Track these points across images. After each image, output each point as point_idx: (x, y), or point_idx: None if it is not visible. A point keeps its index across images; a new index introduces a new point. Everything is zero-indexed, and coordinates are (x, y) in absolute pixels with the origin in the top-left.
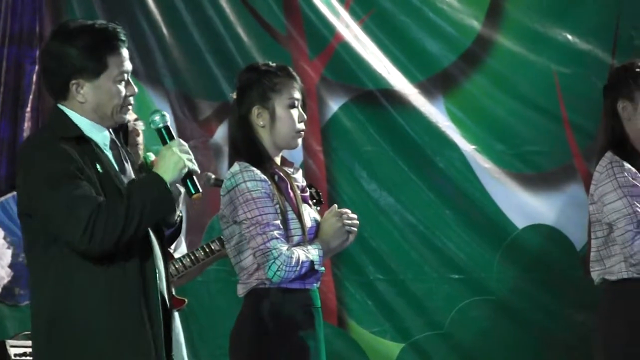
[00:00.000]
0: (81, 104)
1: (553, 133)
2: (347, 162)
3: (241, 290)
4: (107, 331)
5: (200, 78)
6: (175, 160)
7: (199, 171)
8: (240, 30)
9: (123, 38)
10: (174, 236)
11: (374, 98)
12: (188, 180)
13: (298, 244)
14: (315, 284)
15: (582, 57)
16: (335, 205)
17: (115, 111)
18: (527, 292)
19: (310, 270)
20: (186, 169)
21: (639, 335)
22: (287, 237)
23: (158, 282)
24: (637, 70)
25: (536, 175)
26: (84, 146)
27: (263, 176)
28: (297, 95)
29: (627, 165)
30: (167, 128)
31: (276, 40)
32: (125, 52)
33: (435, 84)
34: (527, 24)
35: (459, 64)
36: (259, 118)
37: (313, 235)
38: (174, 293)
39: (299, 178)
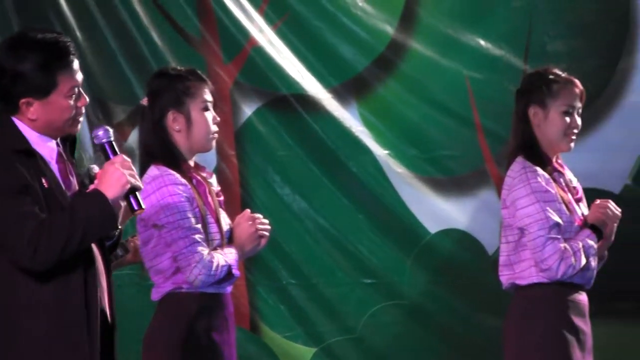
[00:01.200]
0: (31, 120)
1: (465, 138)
2: (261, 166)
3: (156, 295)
4: (46, 342)
5: (114, 82)
6: (118, 177)
7: (142, 187)
8: (154, 34)
9: (73, 51)
10: (114, 247)
11: (288, 103)
12: (130, 197)
13: (216, 248)
14: (228, 289)
15: (494, 62)
16: (248, 210)
17: (67, 124)
18: (439, 297)
19: (227, 275)
20: (129, 186)
21: (550, 340)
22: (207, 241)
23: (99, 295)
24: (550, 77)
25: (449, 180)
26: (31, 160)
27: (183, 180)
28: (209, 97)
29: (540, 171)
30: (110, 143)
31: (190, 45)
32: (76, 65)
33: (349, 89)
34: (440, 29)
35: (372, 69)
36: (174, 122)
37: (228, 240)
38: None
39: (214, 182)
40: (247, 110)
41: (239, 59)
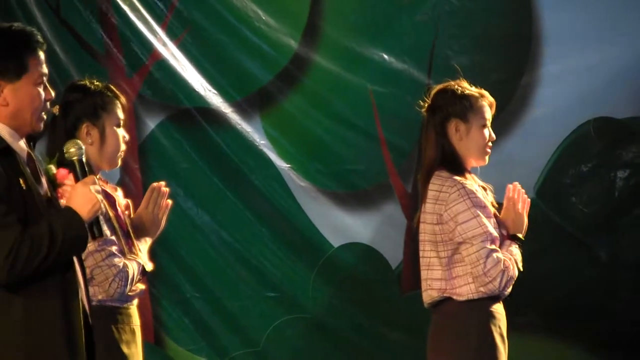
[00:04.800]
0: (2, 108)
1: (369, 152)
2: (164, 180)
3: None
4: (24, 345)
5: None
6: (92, 200)
7: (104, 212)
8: (57, 48)
9: (41, 40)
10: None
11: (191, 116)
12: (94, 222)
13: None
14: (135, 302)
15: (397, 76)
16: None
17: (35, 117)
18: (342, 311)
19: (142, 275)
20: (99, 212)
21: (485, 354)
22: (122, 252)
23: (80, 294)
24: (467, 92)
25: (352, 194)
26: (9, 158)
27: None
28: (122, 115)
29: (476, 185)
30: (81, 161)
31: (94, 58)
32: (42, 55)
33: (252, 102)
34: (344, 43)
35: (276, 82)
36: (87, 135)
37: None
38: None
39: (120, 196)
40: (151, 123)
41: (142, 72)
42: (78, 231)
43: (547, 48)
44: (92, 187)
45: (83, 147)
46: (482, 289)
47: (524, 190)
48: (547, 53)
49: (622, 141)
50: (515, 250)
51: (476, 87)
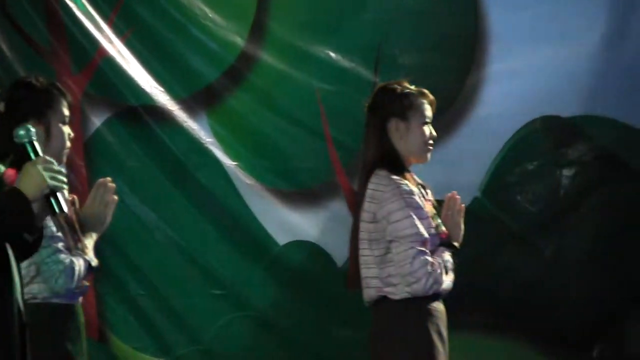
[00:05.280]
0: None
1: (316, 150)
2: (110, 177)
3: None
4: None
5: None
6: (38, 179)
7: (64, 188)
8: (2, 44)
9: None
10: (32, 251)
11: (137, 114)
12: (52, 199)
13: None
14: (80, 299)
15: (344, 74)
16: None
17: None
18: (289, 308)
19: (88, 271)
20: (48, 189)
21: (424, 352)
22: (69, 249)
23: (15, 294)
24: (406, 90)
25: (299, 192)
26: None
27: None
28: (67, 112)
29: (411, 186)
30: (31, 143)
31: (39, 55)
32: None
33: (199, 100)
34: (291, 41)
35: (223, 80)
36: None
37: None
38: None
39: (66, 192)
40: (96, 121)
41: (88, 69)
42: (20, 206)
43: (493, 47)
44: (39, 166)
45: (33, 130)
46: (407, 288)
47: (459, 198)
48: (494, 52)
49: (568, 140)
50: (447, 256)
51: (421, 86)
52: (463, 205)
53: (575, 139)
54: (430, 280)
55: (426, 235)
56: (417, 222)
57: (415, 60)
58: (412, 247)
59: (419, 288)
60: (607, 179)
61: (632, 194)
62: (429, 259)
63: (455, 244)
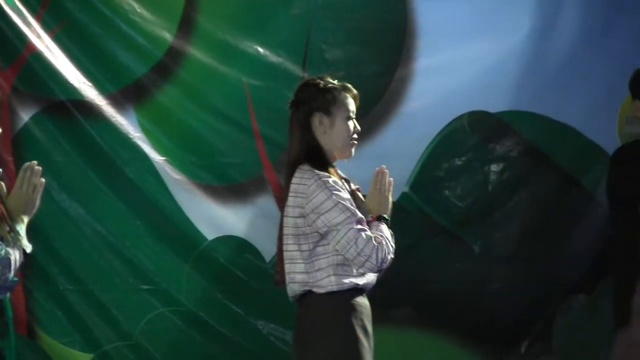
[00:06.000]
0: None
1: (244, 145)
2: None
3: None
4: None
5: None
6: None
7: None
8: None
9: None
10: None
11: (66, 109)
12: None
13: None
14: (8, 294)
15: (273, 69)
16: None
17: None
18: (217, 303)
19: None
20: None
21: (350, 347)
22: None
23: None
24: (329, 85)
25: (227, 187)
26: None
27: None
28: None
29: (335, 178)
30: None
31: None
32: None
33: (127, 95)
34: (219, 36)
35: (151, 75)
36: None
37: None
38: None
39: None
40: (24, 116)
41: (16, 64)
42: None
43: (421, 41)
44: None
45: None
46: (360, 270)
47: (387, 172)
48: (422, 46)
49: (496, 135)
50: (385, 228)
51: (349, 80)
52: (392, 179)
53: (502, 134)
54: (380, 254)
55: (360, 214)
56: (348, 204)
57: (343, 55)
58: (351, 229)
59: (372, 265)
60: (532, 174)
61: (556, 188)
62: (370, 234)
63: (385, 216)
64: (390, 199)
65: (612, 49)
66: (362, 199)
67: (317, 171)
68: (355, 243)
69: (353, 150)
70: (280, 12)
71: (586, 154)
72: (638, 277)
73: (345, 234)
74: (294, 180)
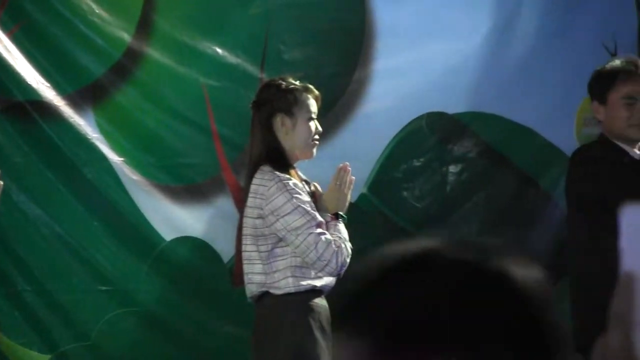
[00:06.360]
0: None
1: (202, 145)
2: None
3: None
4: None
5: None
6: None
7: None
8: None
9: None
10: None
11: (24, 110)
12: None
13: None
14: None
15: (231, 70)
16: None
17: None
18: (176, 304)
19: None
20: None
21: (308, 349)
22: None
23: None
24: (291, 86)
25: (185, 188)
26: None
27: None
28: None
29: (295, 180)
30: None
31: None
32: None
33: (85, 96)
34: (177, 37)
35: (109, 76)
36: None
37: None
38: None
39: None
40: None
41: None
42: None
43: (380, 42)
44: None
45: None
46: (320, 274)
47: (350, 170)
48: (381, 47)
49: (455, 136)
50: (342, 228)
51: (308, 81)
52: (353, 178)
53: (461, 135)
54: (340, 258)
55: (319, 217)
56: (307, 207)
57: (302, 55)
58: (311, 233)
59: (332, 269)
60: (491, 175)
61: (514, 189)
62: (330, 237)
63: (342, 213)
64: (349, 197)
65: (570, 50)
66: (321, 193)
67: (278, 173)
68: (316, 247)
69: (314, 151)
70: (238, 13)
71: (544, 155)
72: (596, 279)
73: (305, 238)
74: (254, 181)
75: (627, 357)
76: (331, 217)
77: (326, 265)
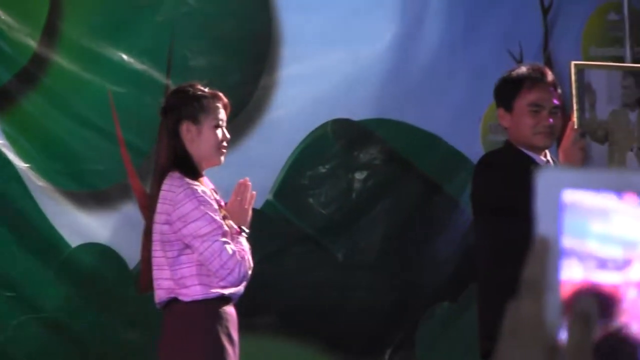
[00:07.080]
0: None
1: (108, 152)
2: None
3: None
4: None
5: None
6: None
7: None
8: None
9: None
10: None
11: None
12: None
13: None
14: None
15: (137, 77)
16: None
17: None
18: (81, 310)
19: None
20: None
21: (210, 356)
22: None
23: None
24: (199, 93)
25: (91, 194)
26: None
27: None
28: None
29: (203, 187)
30: None
31: None
32: None
33: None
34: (83, 43)
35: (15, 82)
36: None
37: None
38: None
39: None
40: None
41: None
42: None
43: (286, 50)
44: None
45: None
46: (222, 283)
47: (250, 185)
48: (286, 55)
49: (360, 143)
50: (244, 242)
51: (214, 88)
52: (254, 193)
53: (366, 142)
54: (242, 269)
55: (225, 227)
56: (215, 216)
57: (208, 63)
58: (216, 241)
59: (234, 278)
60: (396, 182)
61: (420, 195)
62: (234, 247)
63: (245, 228)
64: (250, 213)
65: (475, 56)
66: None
67: (187, 179)
68: (220, 256)
69: (222, 158)
70: (144, 20)
71: (450, 161)
72: (501, 286)
73: (211, 245)
74: (163, 187)
75: (539, 323)
76: (237, 231)
77: (229, 274)
